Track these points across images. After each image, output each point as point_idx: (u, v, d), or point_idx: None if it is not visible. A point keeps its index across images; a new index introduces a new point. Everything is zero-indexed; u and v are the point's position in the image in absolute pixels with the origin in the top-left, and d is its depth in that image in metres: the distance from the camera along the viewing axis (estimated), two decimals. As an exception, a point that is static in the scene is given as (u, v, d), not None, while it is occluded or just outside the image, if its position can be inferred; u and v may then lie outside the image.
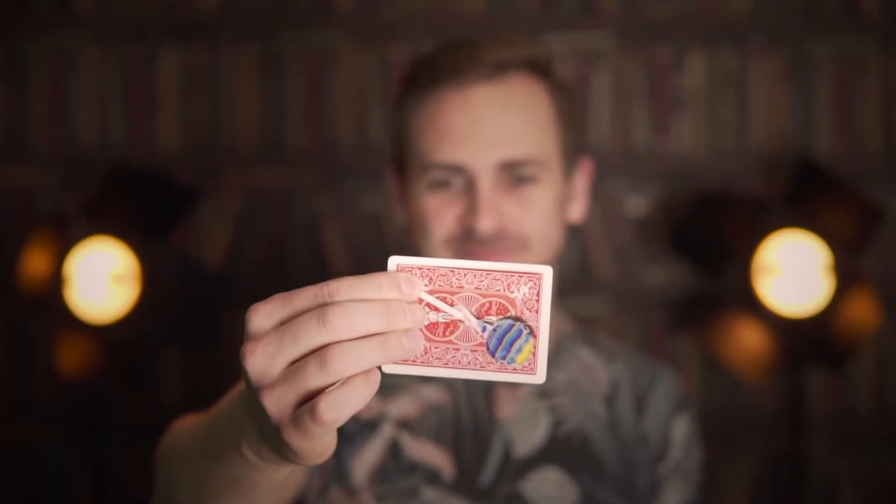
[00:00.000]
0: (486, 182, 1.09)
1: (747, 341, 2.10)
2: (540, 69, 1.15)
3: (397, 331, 0.57)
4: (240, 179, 2.21)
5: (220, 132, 2.21)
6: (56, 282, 1.99)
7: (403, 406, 1.12)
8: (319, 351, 0.56)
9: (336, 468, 1.07)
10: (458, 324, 0.60)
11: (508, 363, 0.59)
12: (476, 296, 0.60)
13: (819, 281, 2.04)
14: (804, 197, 2.07)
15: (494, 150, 1.09)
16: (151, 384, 2.18)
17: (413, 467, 1.09)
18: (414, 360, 0.59)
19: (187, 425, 0.85)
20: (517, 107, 1.12)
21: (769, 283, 2.05)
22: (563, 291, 1.98)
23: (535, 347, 0.59)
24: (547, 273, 0.60)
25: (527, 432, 1.13)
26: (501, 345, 0.59)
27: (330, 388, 0.56)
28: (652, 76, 2.22)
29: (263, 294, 0.60)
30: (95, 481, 2.13)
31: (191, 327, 2.13)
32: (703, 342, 2.18)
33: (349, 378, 0.56)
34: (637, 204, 2.22)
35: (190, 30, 2.21)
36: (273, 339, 0.57)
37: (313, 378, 0.56)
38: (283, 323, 0.57)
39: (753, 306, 2.08)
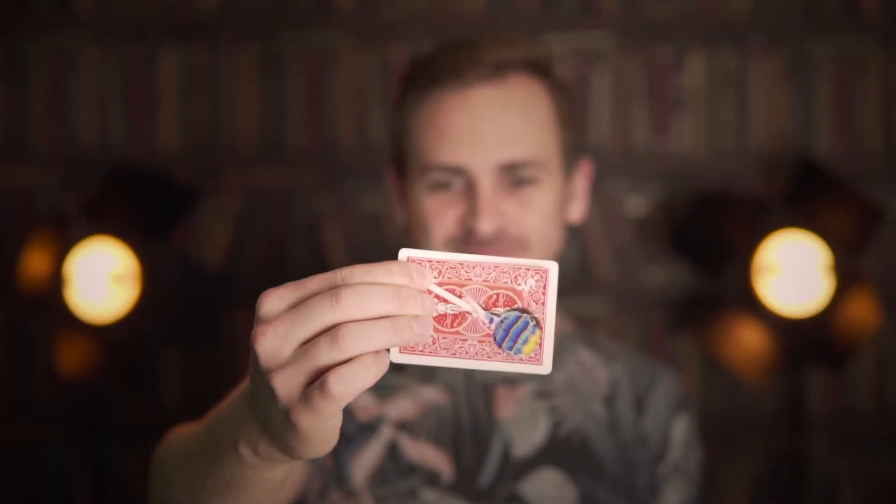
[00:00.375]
0: (486, 183, 1.09)
1: (747, 341, 2.10)
2: (540, 69, 1.15)
3: (407, 315, 0.58)
4: (240, 179, 2.21)
5: (220, 132, 2.21)
6: (56, 282, 1.99)
7: (402, 407, 1.12)
8: (331, 330, 0.57)
9: (335, 470, 1.07)
10: (466, 315, 0.61)
11: (515, 353, 0.60)
12: (484, 288, 0.61)
13: (819, 281, 2.04)
14: (804, 197, 2.07)
15: (495, 152, 1.09)
16: (151, 384, 2.18)
17: (412, 469, 1.08)
18: (422, 350, 0.60)
19: (183, 432, 0.85)
20: (517, 107, 1.12)
21: (769, 283, 2.05)
22: (563, 291, 1.97)
23: (541, 339, 0.61)
24: (553, 268, 0.61)
25: (526, 433, 1.13)
26: (508, 335, 0.60)
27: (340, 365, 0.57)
28: (652, 76, 2.22)
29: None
30: (95, 481, 2.13)
31: (191, 327, 2.13)
32: (703, 342, 2.18)
33: (359, 356, 0.57)
34: (637, 204, 2.22)
35: (190, 30, 2.21)
36: (285, 319, 0.58)
37: (324, 354, 0.56)
38: (295, 306, 0.58)
39: (753, 306, 2.08)
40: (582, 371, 1.20)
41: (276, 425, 0.60)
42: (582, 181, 1.23)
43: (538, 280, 0.61)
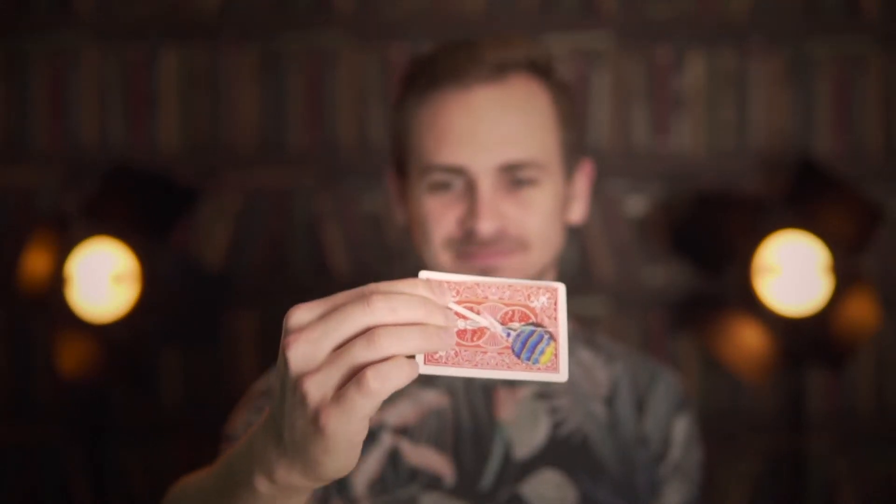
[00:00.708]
0: (486, 184, 1.09)
1: (747, 341, 2.10)
2: (540, 70, 1.15)
3: (434, 324, 0.60)
4: (240, 179, 2.21)
5: (220, 132, 2.21)
6: (56, 282, 1.99)
7: (402, 412, 1.11)
8: (367, 332, 0.59)
9: (336, 480, 1.07)
10: (485, 330, 0.64)
11: (533, 363, 0.64)
12: (500, 305, 0.65)
13: (819, 281, 2.04)
14: (804, 197, 2.07)
15: (495, 152, 1.09)
16: (151, 384, 2.18)
17: (413, 475, 1.08)
18: (447, 361, 0.63)
19: (193, 477, 0.85)
20: (517, 108, 1.11)
21: (769, 283, 2.05)
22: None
23: (556, 350, 0.64)
24: (562, 288, 0.66)
25: (527, 434, 1.13)
26: (525, 347, 0.64)
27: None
28: (652, 76, 2.22)
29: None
30: (95, 481, 2.13)
31: (191, 327, 2.13)
32: (703, 342, 2.18)
33: (393, 357, 0.59)
34: (637, 204, 2.22)
35: (190, 30, 2.21)
36: (317, 325, 0.60)
37: (360, 354, 0.59)
38: (325, 315, 0.61)
39: (753, 306, 2.08)
40: (582, 371, 1.20)
41: (301, 437, 0.61)
42: (582, 182, 1.22)
43: (549, 297, 0.65)
